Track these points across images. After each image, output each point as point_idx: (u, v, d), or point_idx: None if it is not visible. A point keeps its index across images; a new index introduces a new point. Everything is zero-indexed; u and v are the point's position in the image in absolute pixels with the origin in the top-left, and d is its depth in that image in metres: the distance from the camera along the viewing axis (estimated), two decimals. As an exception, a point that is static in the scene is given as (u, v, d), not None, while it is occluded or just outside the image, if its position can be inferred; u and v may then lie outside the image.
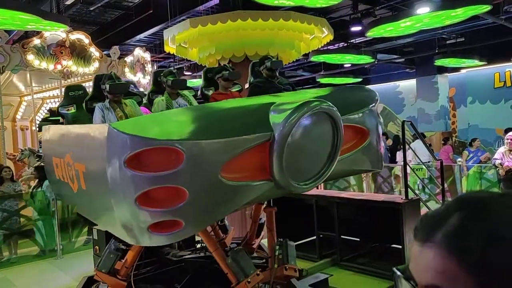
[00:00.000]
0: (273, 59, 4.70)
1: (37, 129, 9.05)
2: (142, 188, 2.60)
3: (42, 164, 8.30)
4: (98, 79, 4.27)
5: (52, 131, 4.45)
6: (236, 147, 2.78)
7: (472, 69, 15.72)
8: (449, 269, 0.58)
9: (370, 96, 3.95)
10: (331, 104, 3.09)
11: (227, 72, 4.42)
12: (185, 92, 4.53)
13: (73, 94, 4.48)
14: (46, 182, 7.13)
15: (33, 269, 6.60)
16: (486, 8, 8.06)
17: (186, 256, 4.63)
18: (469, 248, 0.57)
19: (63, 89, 9.60)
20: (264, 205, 4.50)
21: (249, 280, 3.44)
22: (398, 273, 0.67)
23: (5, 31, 8.73)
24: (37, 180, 7.60)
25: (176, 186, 2.62)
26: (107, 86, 3.94)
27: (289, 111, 2.87)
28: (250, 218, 4.93)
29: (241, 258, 3.51)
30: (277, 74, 4.74)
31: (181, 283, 4.11)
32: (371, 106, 3.77)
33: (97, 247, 5.16)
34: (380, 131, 3.91)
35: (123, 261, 3.99)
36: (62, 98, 4.64)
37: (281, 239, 4.17)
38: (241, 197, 2.88)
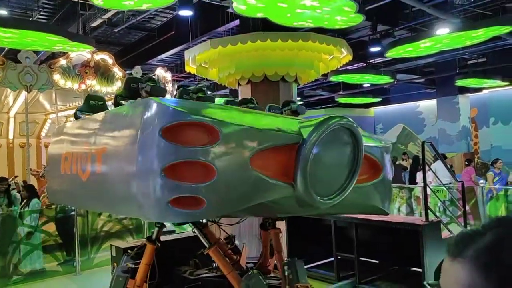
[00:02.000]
0: (299, 104, 4.85)
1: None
2: (173, 159, 2.61)
3: (30, 184, 8.47)
4: (131, 80, 4.37)
5: (69, 126, 4.57)
6: (268, 140, 2.92)
7: (495, 90, 15.49)
8: (476, 283, 0.60)
9: (385, 139, 4.20)
10: (352, 120, 3.24)
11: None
12: None
13: (93, 103, 4.57)
14: (33, 202, 7.26)
15: (52, 285, 6.68)
16: (507, 29, 7.99)
17: (202, 275, 4.62)
18: (499, 265, 0.59)
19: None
20: (270, 227, 4.50)
21: None
22: (429, 287, 0.69)
23: (34, 51, 9.08)
24: (25, 200, 7.48)
25: (207, 163, 2.64)
26: (148, 86, 4.00)
27: (315, 125, 3.04)
28: (260, 241, 4.91)
29: (254, 285, 3.48)
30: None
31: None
32: (386, 145, 3.96)
33: (115, 263, 5.21)
34: (391, 175, 4.02)
35: (135, 280, 3.99)
36: (82, 103, 4.72)
37: (289, 259, 4.15)
38: (263, 192, 2.92)
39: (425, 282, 0.75)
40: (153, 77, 4.50)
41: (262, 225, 4.64)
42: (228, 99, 5.19)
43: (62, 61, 9.37)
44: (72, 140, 4.25)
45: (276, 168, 3.00)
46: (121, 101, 4.18)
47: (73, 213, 7.55)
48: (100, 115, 3.90)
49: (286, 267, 4.04)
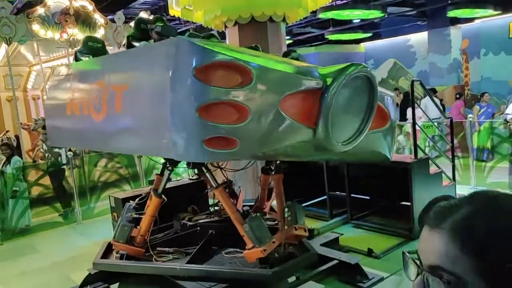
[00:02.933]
0: (300, 53, 4.86)
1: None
2: (207, 99, 2.63)
3: (8, 142, 8.35)
4: (141, 21, 4.27)
5: (74, 66, 4.44)
6: (296, 83, 3.00)
7: (486, 19, 15.19)
8: (452, 252, 0.66)
9: (389, 90, 4.32)
10: (369, 68, 3.36)
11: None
12: None
13: (92, 45, 4.46)
14: (14, 159, 7.21)
15: (55, 235, 6.91)
16: (501, -45, 7.69)
17: (201, 220, 4.79)
18: (473, 235, 0.65)
19: (71, 58, 9.61)
20: (273, 172, 4.60)
21: (265, 248, 3.59)
22: (408, 255, 0.75)
23: (8, 1, 8.66)
24: (5, 158, 7.32)
25: (241, 104, 2.68)
26: (158, 27, 3.89)
27: (337, 71, 3.11)
28: (258, 185, 5.05)
29: (257, 227, 3.64)
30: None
31: (197, 246, 4.29)
32: (391, 95, 4.07)
33: (114, 213, 5.37)
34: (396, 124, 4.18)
35: (138, 228, 4.15)
36: (82, 45, 4.60)
37: (289, 202, 4.30)
38: (289, 134, 3.02)
39: (404, 250, 0.82)
40: (161, 16, 4.34)
41: (264, 169, 4.76)
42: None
43: (40, 10, 8.98)
44: (79, 80, 4.12)
45: (301, 112, 3.07)
46: (133, 42, 4.09)
47: (64, 166, 7.61)
48: (114, 55, 3.81)
49: (286, 209, 4.20)
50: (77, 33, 9.49)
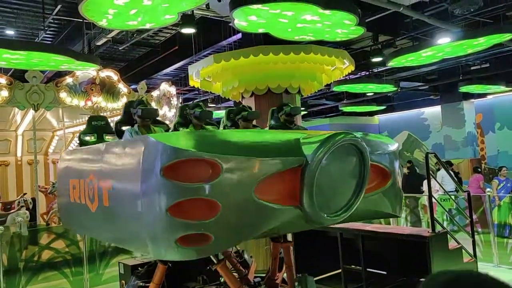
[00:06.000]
0: (292, 106, 4.88)
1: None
2: (177, 198, 2.59)
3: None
4: (129, 105, 4.39)
5: (74, 153, 4.59)
6: (271, 167, 2.86)
7: (499, 95, 15.45)
8: None
9: (392, 142, 4.13)
10: (357, 136, 3.23)
11: (247, 112, 4.49)
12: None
13: (96, 124, 4.64)
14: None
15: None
16: (508, 36, 8.02)
17: (210, 291, 4.63)
18: None
19: (92, 124, 9.99)
20: (281, 240, 4.51)
21: None
22: None
23: (40, 71, 9.23)
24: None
25: (211, 199, 2.62)
26: (139, 110, 4.05)
27: (319, 142, 2.99)
28: (270, 255, 4.93)
29: None
30: (295, 120, 4.91)
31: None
32: (393, 149, 3.91)
33: (123, 281, 5.24)
34: (400, 180, 4.02)
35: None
36: (86, 125, 4.78)
37: (300, 275, 4.16)
38: (270, 219, 2.89)
39: None
40: (143, 99, 4.54)
41: (273, 237, 4.67)
42: (230, 109, 5.24)
43: (68, 80, 9.50)
44: (78, 169, 4.25)
45: (281, 193, 2.96)
46: (121, 127, 4.25)
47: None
48: (102, 146, 3.86)
49: (296, 283, 4.05)
50: (101, 101, 9.94)
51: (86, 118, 10.99)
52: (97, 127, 4.61)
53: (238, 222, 2.79)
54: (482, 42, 8.21)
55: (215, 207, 2.64)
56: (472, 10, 6.96)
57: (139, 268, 4.31)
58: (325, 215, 3.09)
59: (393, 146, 4.00)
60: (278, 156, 2.93)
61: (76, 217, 4.36)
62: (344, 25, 6.52)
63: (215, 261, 3.77)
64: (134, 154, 2.97)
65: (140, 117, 4.08)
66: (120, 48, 11.32)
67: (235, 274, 4.27)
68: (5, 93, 8.69)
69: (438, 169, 10.42)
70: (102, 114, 10.29)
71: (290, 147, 3.07)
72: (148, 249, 2.85)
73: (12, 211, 9.48)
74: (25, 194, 10.85)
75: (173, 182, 2.59)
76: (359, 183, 3.28)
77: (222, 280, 5.13)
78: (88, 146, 4.32)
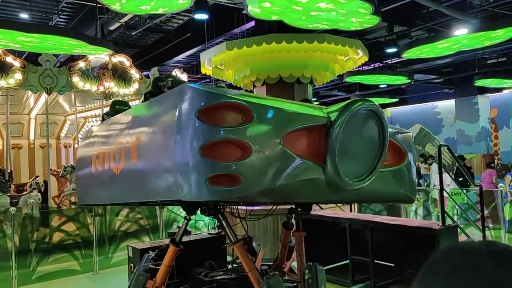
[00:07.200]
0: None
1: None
2: (209, 139, 2.72)
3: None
4: (158, 79, 4.53)
5: (98, 127, 4.75)
6: (298, 120, 3.06)
7: (515, 90, 15.19)
8: None
9: (405, 130, 4.27)
10: (375, 103, 3.34)
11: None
12: None
13: (119, 108, 4.73)
14: None
15: (70, 284, 6.83)
16: (528, 28, 7.82)
17: (217, 277, 4.66)
18: None
19: (104, 109, 10.05)
20: (293, 229, 4.50)
21: None
22: None
23: (54, 55, 9.27)
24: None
25: (243, 141, 2.77)
26: (169, 82, 4.14)
27: (342, 106, 3.16)
28: (279, 242, 4.92)
29: (275, 285, 3.51)
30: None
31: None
32: (408, 133, 4.03)
33: (131, 264, 5.30)
34: (415, 162, 4.04)
35: (154, 281, 4.06)
36: (109, 108, 4.91)
37: (310, 263, 4.14)
38: (295, 170, 3.01)
39: None
40: (172, 73, 4.66)
41: (285, 224, 4.67)
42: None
43: (81, 64, 9.55)
44: (103, 139, 4.37)
45: (307, 149, 3.10)
46: (150, 98, 4.34)
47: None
48: (130, 111, 4.03)
49: (307, 271, 4.05)
50: (113, 86, 9.97)
51: (98, 104, 11.18)
52: (120, 111, 4.68)
53: (267, 167, 2.90)
54: (500, 35, 8.02)
55: (247, 149, 2.77)
56: (491, 1, 6.79)
57: (149, 252, 4.34)
58: (347, 178, 3.13)
59: (408, 132, 4.14)
60: (306, 113, 3.13)
61: (96, 189, 4.44)
62: (359, 14, 6.42)
63: (233, 240, 3.79)
64: (169, 102, 3.14)
65: (170, 88, 4.14)
66: (132, 34, 11.32)
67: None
68: (18, 76, 8.77)
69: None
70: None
71: (315, 109, 3.27)
72: (179, 191, 2.93)
73: (25, 193, 9.62)
74: (37, 176, 10.99)
75: (207, 124, 2.74)
76: (379, 149, 3.37)
77: (229, 266, 5.17)
78: (115, 116, 4.43)
